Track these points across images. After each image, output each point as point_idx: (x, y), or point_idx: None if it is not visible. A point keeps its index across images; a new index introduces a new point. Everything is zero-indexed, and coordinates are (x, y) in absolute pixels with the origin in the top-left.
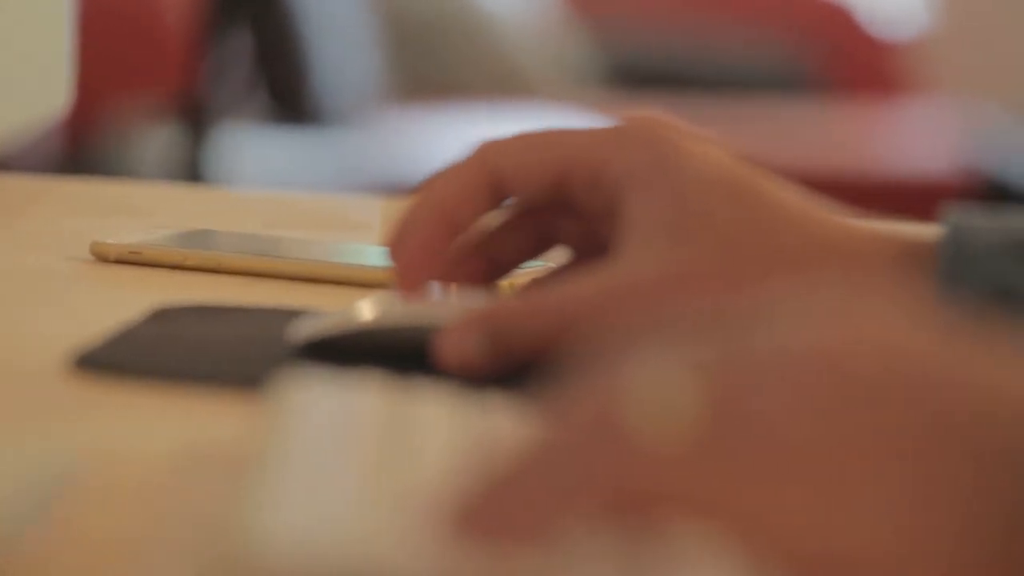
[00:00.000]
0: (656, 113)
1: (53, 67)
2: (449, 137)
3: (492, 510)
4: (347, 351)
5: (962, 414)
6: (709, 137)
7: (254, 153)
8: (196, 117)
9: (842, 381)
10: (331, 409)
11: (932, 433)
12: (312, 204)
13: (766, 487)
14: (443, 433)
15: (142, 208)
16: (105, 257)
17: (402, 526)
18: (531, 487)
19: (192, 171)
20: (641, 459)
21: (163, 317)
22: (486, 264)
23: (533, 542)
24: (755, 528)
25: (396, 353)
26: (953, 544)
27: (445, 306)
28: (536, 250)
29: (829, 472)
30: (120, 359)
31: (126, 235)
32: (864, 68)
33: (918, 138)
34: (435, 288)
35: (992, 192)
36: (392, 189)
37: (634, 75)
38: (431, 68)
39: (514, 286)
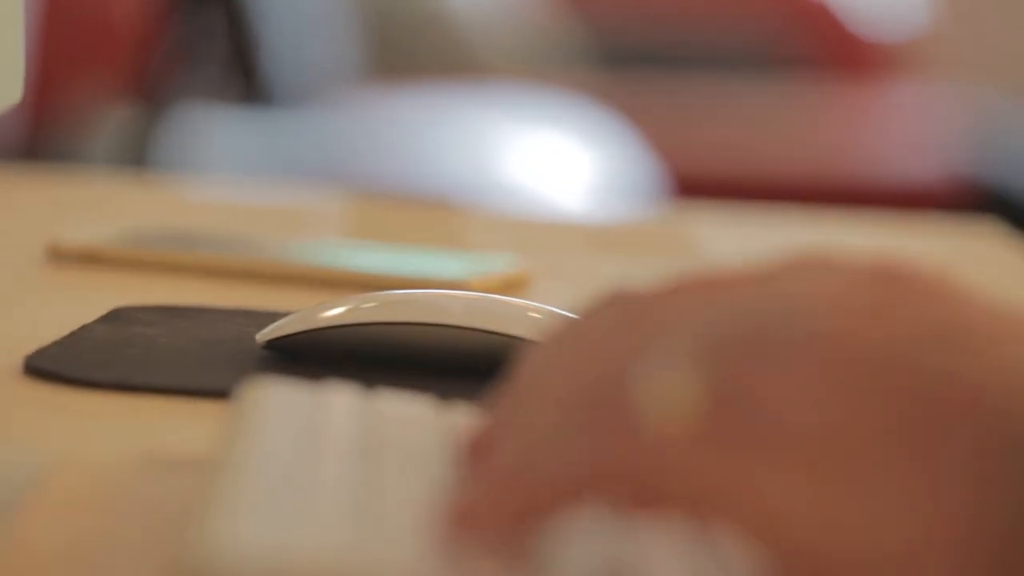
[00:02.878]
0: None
1: (8, 54)
2: (417, 119)
3: (491, 499)
4: (311, 351)
5: (975, 405)
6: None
7: (217, 135)
8: (157, 99)
9: (852, 368)
10: (293, 417)
11: (945, 423)
12: (275, 199)
13: (769, 473)
14: (407, 443)
15: (100, 204)
16: (62, 256)
17: (362, 536)
18: (531, 470)
19: (153, 155)
20: (646, 441)
21: (119, 319)
22: None
23: (535, 530)
24: (757, 517)
25: (361, 352)
26: (964, 536)
27: (413, 303)
28: None
29: (835, 460)
30: (71, 363)
31: (84, 234)
32: (850, 59)
33: (907, 130)
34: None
35: (984, 197)
36: (355, 173)
37: (617, 56)
38: (400, 49)
39: (485, 286)
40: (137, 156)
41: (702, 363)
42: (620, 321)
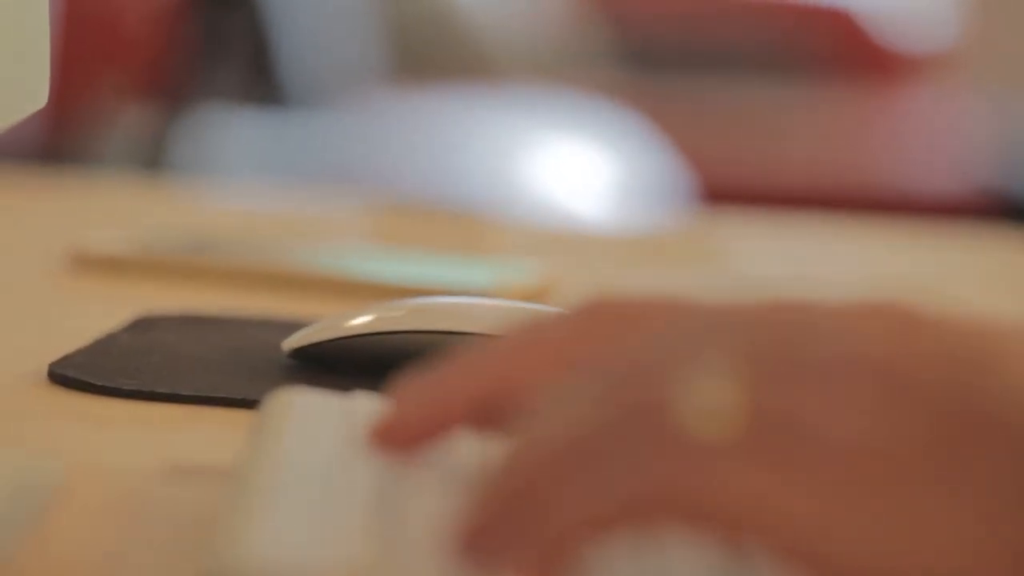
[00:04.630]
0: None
1: (34, 58)
2: (437, 122)
3: (521, 523)
4: (337, 359)
5: (1013, 423)
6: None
7: (235, 137)
8: (175, 101)
9: (896, 384)
10: (320, 427)
11: (985, 441)
12: (298, 205)
13: (808, 490)
14: (435, 455)
15: (123, 211)
16: (85, 264)
17: (388, 549)
18: (572, 481)
19: (171, 157)
20: (685, 451)
21: (143, 326)
22: None
23: (571, 557)
24: (795, 535)
25: (388, 361)
26: (1005, 552)
27: (441, 311)
28: None
29: (877, 477)
30: (95, 371)
31: (107, 241)
32: (877, 68)
33: (934, 139)
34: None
35: (1010, 207)
36: (375, 176)
37: (642, 59)
38: (420, 51)
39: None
40: (155, 158)
41: (743, 379)
42: (657, 333)
